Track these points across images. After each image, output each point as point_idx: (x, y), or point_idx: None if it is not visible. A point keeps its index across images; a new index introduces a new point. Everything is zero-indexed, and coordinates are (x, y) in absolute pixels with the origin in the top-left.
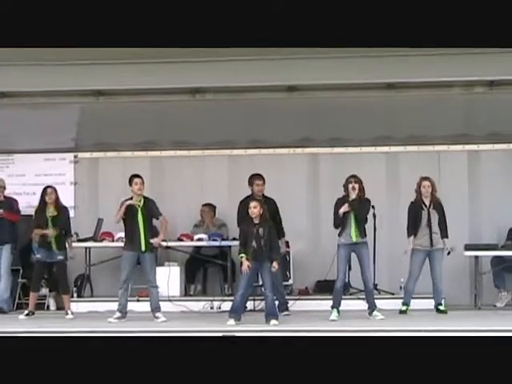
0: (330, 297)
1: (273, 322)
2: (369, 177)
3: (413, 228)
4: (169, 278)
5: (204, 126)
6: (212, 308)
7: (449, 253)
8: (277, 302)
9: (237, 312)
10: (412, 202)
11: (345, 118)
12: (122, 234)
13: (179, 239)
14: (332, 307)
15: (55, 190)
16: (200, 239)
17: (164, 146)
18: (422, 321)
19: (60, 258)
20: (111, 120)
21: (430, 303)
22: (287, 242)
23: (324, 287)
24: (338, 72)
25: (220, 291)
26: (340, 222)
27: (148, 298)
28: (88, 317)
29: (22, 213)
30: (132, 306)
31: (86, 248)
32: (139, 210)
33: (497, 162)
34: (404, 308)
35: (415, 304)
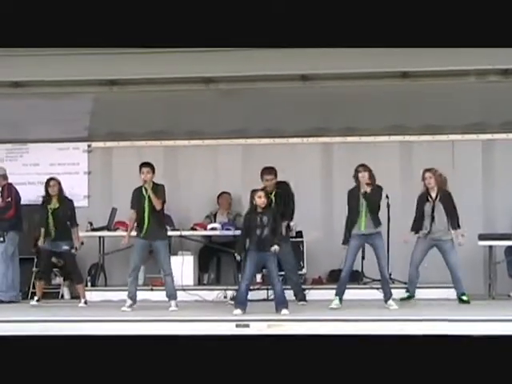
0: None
1: (284, 311)
2: (382, 166)
3: (416, 221)
4: (182, 267)
5: (217, 115)
6: (225, 297)
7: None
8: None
9: (243, 303)
10: (419, 195)
11: (359, 107)
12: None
13: (192, 228)
14: (335, 295)
15: (58, 182)
16: (213, 228)
17: (177, 136)
18: (433, 310)
19: (65, 248)
20: (125, 109)
21: (443, 293)
22: (288, 226)
23: (337, 277)
24: (352, 61)
25: (233, 280)
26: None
27: (162, 287)
28: (101, 306)
29: (37, 202)
30: (146, 295)
31: (99, 237)
32: (146, 197)
33: (511, 151)
34: (405, 295)
35: (432, 294)
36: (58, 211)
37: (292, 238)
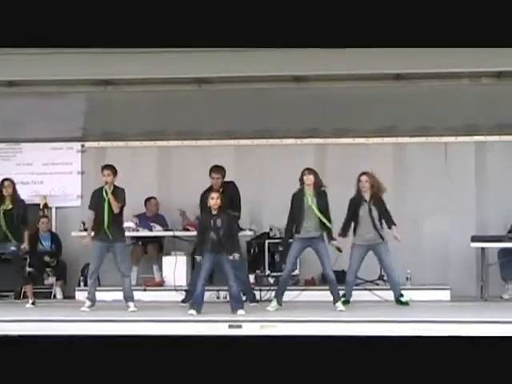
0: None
1: (240, 311)
2: (376, 167)
3: (346, 223)
4: (175, 267)
5: (211, 115)
6: (218, 298)
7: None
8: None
9: (199, 303)
10: (351, 198)
11: (352, 109)
12: (129, 224)
13: (185, 229)
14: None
15: (13, 183)
16: None
17: (171, 136)
18: (427, 312)
19: (12, 249)
20: (118, 109)
21: (436, 294)
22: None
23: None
24: (346, 62)
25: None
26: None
27: (155, 288)
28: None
29: (29, 201)
30: (139, 295)
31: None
32: (106, 199)
33: (504, 153)
34: (342, 299)
35: (422, 295)
36: (11, 212)
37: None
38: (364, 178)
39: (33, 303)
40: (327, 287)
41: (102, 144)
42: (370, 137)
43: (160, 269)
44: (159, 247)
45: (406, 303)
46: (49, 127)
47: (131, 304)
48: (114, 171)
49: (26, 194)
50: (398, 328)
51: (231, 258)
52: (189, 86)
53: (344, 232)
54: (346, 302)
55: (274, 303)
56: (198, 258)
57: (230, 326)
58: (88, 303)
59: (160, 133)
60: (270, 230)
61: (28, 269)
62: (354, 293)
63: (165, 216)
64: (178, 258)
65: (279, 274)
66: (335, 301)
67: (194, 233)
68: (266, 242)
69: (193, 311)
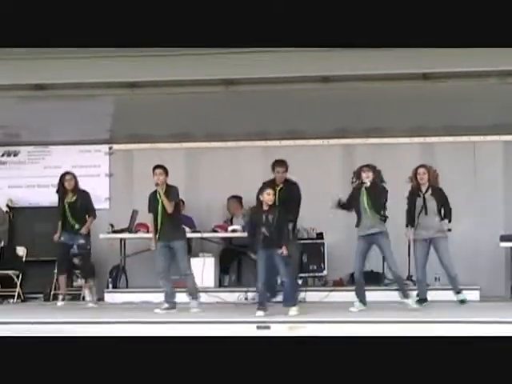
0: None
1: (291, 310)
2: (404, 167)
3: (408, 214)
4: (203, 268)
5: (238, 117)
6: (246, 299)
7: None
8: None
9: (262, 303)
10: (409, 192)
11: (380, 109)
12: None
13: (214, 230)
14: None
15: (74, 176)
16: (234, 230)
17: (198, 138)
18: (454, 311)
19: (81, 241)
20: (145, 112)
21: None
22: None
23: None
24: (373, 62)
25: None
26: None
27: (183, 289)
28: (123, 308)
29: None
30: None
31: (120, 239)
32: (160, 201)
33: None
34: (417, 299)
35: (452, 296)
36: (75, 205)
37: (311, 239)
38: (422, 170)
39: (64, 299)
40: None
41: (130, 146)
42: (398, 137)
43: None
44: (188, 249)
45: (463, 301)
46: (76, 130)
47: (194, 303)
48: (166, 171)
49: (54, 196)
50: (429, 329)
51: (279, 252)
52: (216, 87)
53: (410, 224)
54: (423, 301)
55: (358, 303)
56: (253, 255)
57: (258, 327)
58: (165, 305)
59: (187, 134)
60: (298, 230)
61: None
62: (381, 293)
63: (192, 218)
64: (206, 259)
65: (307, 274)
66: (404, 297)
67: (222, 234)
68: None
69: (259, 312)
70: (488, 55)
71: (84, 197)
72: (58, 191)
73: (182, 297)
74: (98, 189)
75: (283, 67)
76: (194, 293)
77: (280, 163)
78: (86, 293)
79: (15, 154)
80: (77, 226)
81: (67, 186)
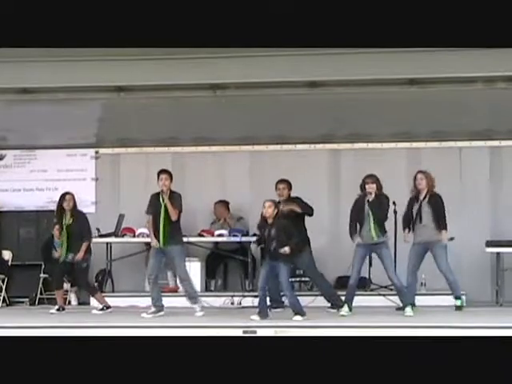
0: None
1: (296, 317)
2: (389, 172)
3: (404, 217)
4: (189, 273)
5: (225, 121)
6: (232, 304)
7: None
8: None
9: (261, 310)
10: (410, 197)
11: (366, 114)
12: (144, 230)
13: (200, 235)
14: (345, 302)
15: (73, 197)
16: (220, 235)
17: (185, 142)
18: (439, 316)
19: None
20: (132, 116)
21: (449, 300)
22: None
23: (345, 283)
24: (360, 67)
25: (241, 287)
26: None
27: (170, 294)
28: (108, 312)
29: (44, 208)
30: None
31: (107, 243)
32: (163, 205)
33: None
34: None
35: (437, 301)
36: (71, 227)
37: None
38: (419, 175)
39: (59, 309)
40: (342, 292)
41: (117, 150)
42: (384, 142)
43: (174, 275)
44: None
45: (459, 307)
46: (63, 134)
47: (197, 307)
48: (171, 176)
49: (40, 200)
50: (416, 333)
51: (282, 250)
52: (203, 91)
53: (407, 227)
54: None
55: (346, 308)
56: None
57: (244, 332)
58: (152, 309)
59: (174, 139)
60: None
61: (42, 275)
62: (367, 298)
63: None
64: (192, 264)
65: (294, 279)
66: (404, 306)
67: (209, 239)
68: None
69: (255, 316)
70: (474, 60)
71: (80, 219)
72: (56, 212)
73: (169, 301)
74: (84, 193)
75: (270, 72)
76: (194, 297)
77: (280, 181)
78: (73, 297)
79: (1, 158)
80: (69, 257)
81: (65, 206)
